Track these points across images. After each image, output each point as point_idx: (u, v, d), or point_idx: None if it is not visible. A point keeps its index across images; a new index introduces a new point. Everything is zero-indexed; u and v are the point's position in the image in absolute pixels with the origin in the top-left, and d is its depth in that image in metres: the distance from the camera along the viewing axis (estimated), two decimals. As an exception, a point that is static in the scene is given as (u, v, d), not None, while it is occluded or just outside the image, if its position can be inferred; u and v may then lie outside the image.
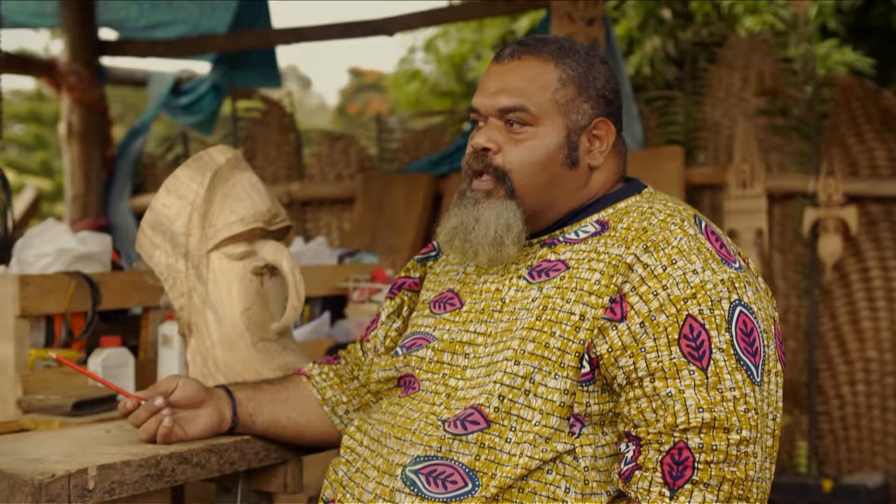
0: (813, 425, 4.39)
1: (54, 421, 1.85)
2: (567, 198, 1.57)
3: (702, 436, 1.34)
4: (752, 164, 4.28)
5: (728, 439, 1.34)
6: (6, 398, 1.95)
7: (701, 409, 1.34)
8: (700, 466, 1.33)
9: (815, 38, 6.12)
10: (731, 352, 1.37)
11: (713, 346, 1.37)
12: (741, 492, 1.34)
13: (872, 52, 6.54)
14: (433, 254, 1.77)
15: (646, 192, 1.61)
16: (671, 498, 1.34)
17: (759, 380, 1.38)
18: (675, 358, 1.37)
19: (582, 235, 1.54)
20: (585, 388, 1.42)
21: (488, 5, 5.44)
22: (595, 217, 1.56)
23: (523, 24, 7.28)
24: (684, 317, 1.38)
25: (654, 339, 1.39)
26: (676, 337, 1.38)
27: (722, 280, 1.41)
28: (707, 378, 1.35)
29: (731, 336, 1.38)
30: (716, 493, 1.33)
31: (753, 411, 1.36)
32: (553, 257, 1.53)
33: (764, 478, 1.39)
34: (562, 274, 1.50)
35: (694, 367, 1.36)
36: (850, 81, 4.59)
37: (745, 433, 1.35)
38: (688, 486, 1.34)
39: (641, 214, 1.51)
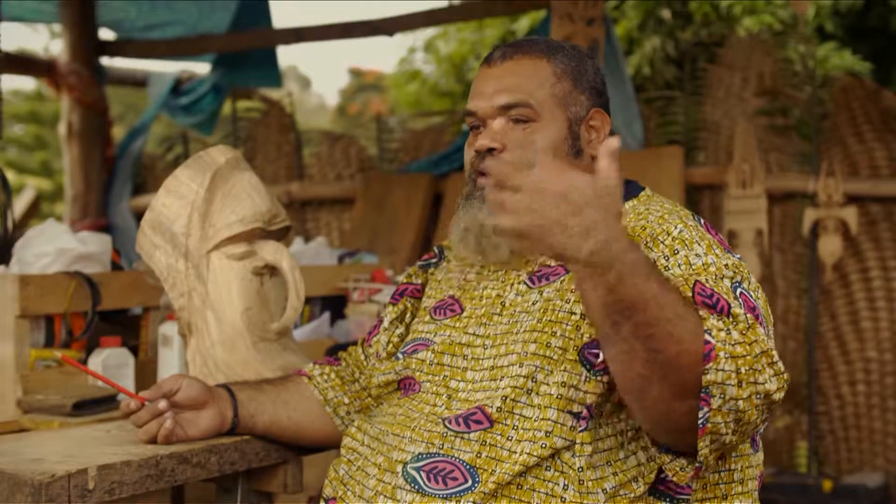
0: (813, 425, 4.39)
1: (54, 421, 1.85)
2: None
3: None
4: (752, 164, 4.28)
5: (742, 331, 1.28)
6: (6, 398, 1.95)
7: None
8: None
9: (814, 39, 6.13)
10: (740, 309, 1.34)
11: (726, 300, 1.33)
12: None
13: (871, 53, 6.54)
14: (434, 260, 1.78)
15: (643, 195, 1.62)
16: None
17: (768, 330, 1.35)
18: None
19: None
20: (592, 377, 1.41)
21: (488, 5, 5.44)
22: None
23: (523, 24, 7.28)
24: (692, 283, 1.35)
25: None
26: (690, 295, 1.33)
27: (726, 265, 1.41)
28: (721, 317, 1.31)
29: (738, 300, 1.35)
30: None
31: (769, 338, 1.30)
32: (553, 263, 1.54)
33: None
34: (561, 277, 1.51)
35: (704, 312, 1.31)
36: (850, 81, 4.59)
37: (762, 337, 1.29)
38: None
39: (638, 216, 1.53)
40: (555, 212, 1.20)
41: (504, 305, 1.55)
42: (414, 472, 1.43)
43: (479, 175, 1.57)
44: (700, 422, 1.26)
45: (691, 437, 1.28)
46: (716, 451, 1.32)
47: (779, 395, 1.29)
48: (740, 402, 1.26)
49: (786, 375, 1.30)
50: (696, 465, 1.30)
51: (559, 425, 1.40)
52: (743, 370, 1.25)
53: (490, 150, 1.56)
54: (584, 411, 1.40)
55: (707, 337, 1.24)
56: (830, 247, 4.22)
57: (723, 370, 1.24)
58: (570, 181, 1.20)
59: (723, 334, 1.26)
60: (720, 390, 1.24)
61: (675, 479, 1.35)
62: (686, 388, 1.25)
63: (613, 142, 1.23)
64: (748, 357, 1.26)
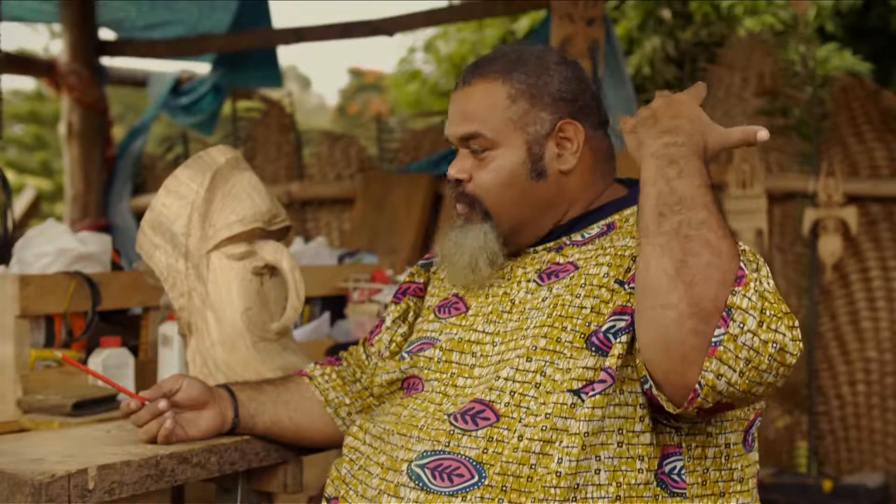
0: (813, 425, 4.39)
1: (54, 421, 1.85)
2: (545, 208, 1.59)
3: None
4: (752, 164, 4.28)
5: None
6: (6, 398, 1.95)
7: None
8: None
9: (815, 40, 6.13)
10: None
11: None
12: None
13: (871, 53, 6.55)
14: (436, 259, 1.77)
15: None
16: None
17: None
18: None
19: (588, 237, 1.56)
20: (595, 352, 1.41)
21: (488, 5, 5.44)
22: (601, 221, 1.58)
23: (523, 24, 7.28)
24: None
25: None
26: None
27: (743, 251, 1.39)
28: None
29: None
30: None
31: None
32: (562, 260, 1.55)
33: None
34: (571, 274, 1.51)
35: None
36: (850, 81, 4.59)
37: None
38: None
39: None
40: (660, 109, 1.40)
41: (513, 303, 1.55)
42: (418, 470, 1.43)
43: (455, 201, 1.62)
44: (714, 341, 1.26)
45: (690, 370, 1.27)
46: (716, 394, 1.29)
47: (792, 360, 1.30)
48: (756, 340, 1.27)
49: (801, 345, 1.31)
50: (694, 391, 1.29)
51: (558, 405, 1.39)
52: (768, 312, 1.28)
53: (458, 181, 1.60)
54: (603, 374, 1.38)
55: (742, 264, 1.29)
56: (830, 247, 4.22)
57: (749, 299, 1.27)
58: (695, 104, 1.41)
59: (755, 275, 1.30)
60: (741, 317, 1.26)
61: (667, 408, 1.34)
62: (704, 306, 1.27)
63: (763, 133, 1.38)
64: (775, 305, 1.29)
